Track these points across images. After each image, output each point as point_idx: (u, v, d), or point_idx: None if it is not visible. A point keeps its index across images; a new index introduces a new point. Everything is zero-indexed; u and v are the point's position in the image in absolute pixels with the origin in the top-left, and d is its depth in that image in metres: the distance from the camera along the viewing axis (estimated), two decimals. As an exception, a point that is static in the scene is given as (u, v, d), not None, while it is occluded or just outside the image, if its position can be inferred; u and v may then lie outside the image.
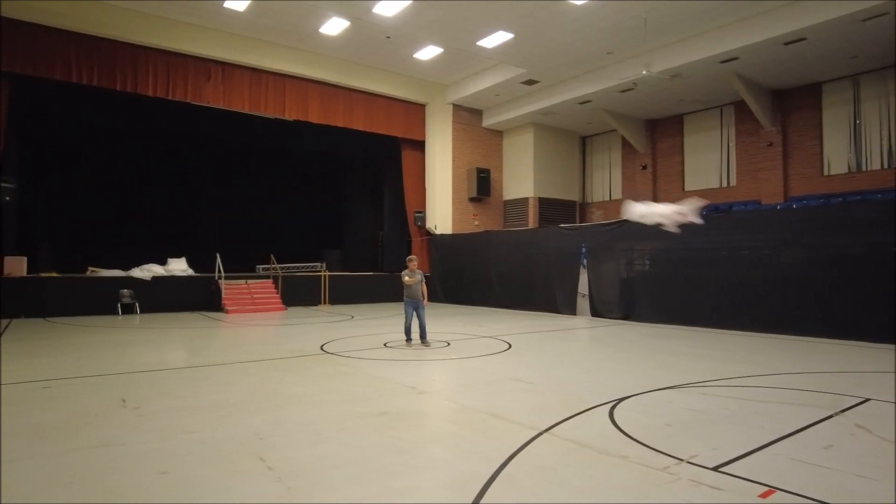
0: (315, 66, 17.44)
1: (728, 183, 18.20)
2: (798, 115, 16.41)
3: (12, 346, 8.95)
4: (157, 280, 15.30)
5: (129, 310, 14.48)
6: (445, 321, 13.16)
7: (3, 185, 13.40)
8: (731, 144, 18.16)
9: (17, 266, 13.82)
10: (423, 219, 20.50)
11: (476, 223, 20.92)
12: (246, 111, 16.84)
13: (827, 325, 9.99)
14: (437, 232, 20.22)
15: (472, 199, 20.97)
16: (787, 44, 13.36)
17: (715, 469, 3.63)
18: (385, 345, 9.37)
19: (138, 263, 15.55)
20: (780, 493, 3.23)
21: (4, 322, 12.26)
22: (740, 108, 17.38)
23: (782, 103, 16.60)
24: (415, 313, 9.18)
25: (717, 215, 12.83)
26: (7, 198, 13.48)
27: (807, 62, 14.52)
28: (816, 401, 5.50)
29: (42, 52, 13.80)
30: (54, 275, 14.46)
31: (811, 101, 16.15)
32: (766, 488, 3.29)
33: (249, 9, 14.38)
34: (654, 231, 13.33)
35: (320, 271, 18.54)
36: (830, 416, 4.89)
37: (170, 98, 15.53)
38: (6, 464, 3.71)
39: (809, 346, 9.27)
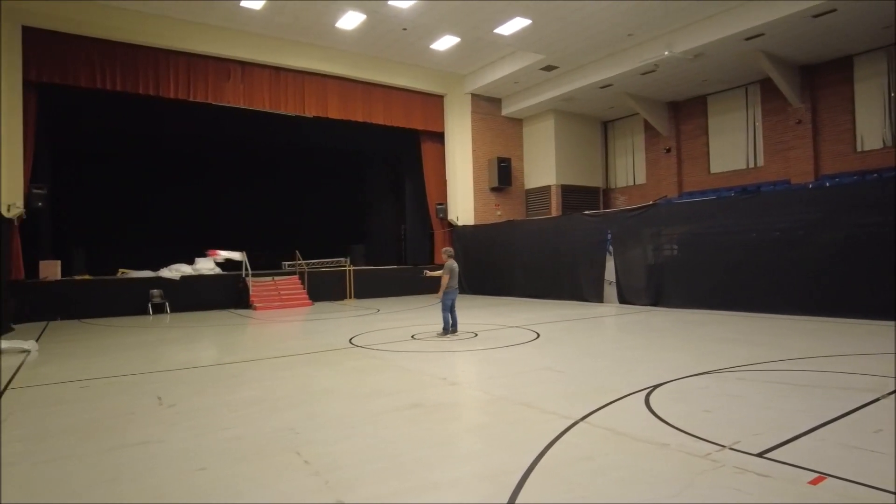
0: (333, 61, 17.45)
1: (755, 163, 17.77)
2: (828, 91, 15.90)
3: (50, 348, 9.17)
4: (185, 280, 15.53)
5: (159, 309, 14.74)
6: (471, 312, 13.11)
7: (34, 191, 13.73)
8: (757, 124, 17.71)
9: (52, 270, 14.17)
10: (445, 211, 20.46)
11: (498, 213, 20.80)
12: (266, 110, 16.94)
13: (864, 306, 9.69)
14: (460, 223, 20.16)
15: (493, 189, 20.85)
16: (816, 16, 12.92)
17: (760, 455, 3.53)
18: (413, 337, 9.36)
19: (167, 264, 15.81)
20: (831, 480, 3.12)
21: (42, 324, 12.58)
22: (767, 86, 16.93)
23: (811, 79, 16.10)
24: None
25: (745, 197, 12.51)
26: (39, 203, 13.80)
27: (837, 35, 14.03)
28: (859, 384, 5.33)
29: (67, 61, 14.06)
30: (87, 277, 14.78)
31: (842, 75, 15.63)
32: (817, 475, 3.19)
33: (266, 7, 14.42)
34: (682, 215, 13.17)
35: (345, 266, 18.65)
36: (877, 399, 4.73)
37: (191, 99, 15.71)
38: (52, 463, 3.79)
39: (846, 328, 9.01)
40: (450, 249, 9.75)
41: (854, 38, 14.32)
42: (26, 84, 13.60)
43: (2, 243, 11.25)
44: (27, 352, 8.57)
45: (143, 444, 4.15)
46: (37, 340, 9.40)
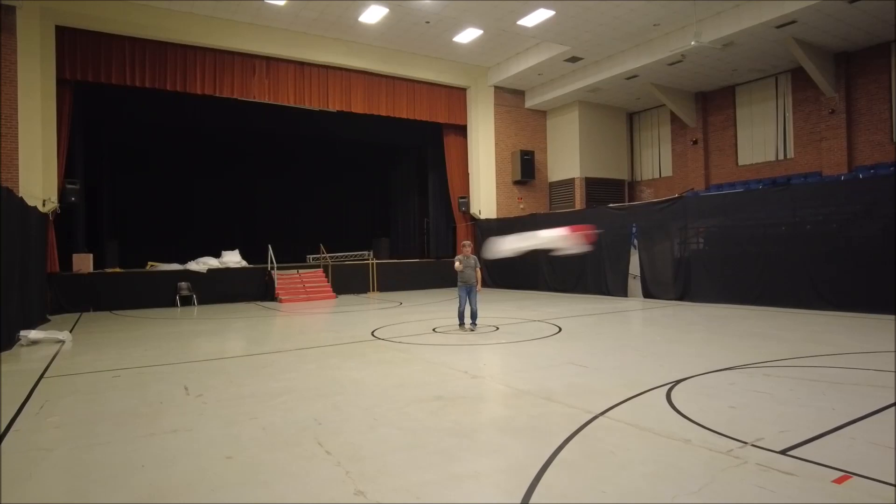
0: (357, 56, 17.53)
1: (785, 155, 17.35)
2: (864, 79, 15.41)
3: (84, 338, 9.46)
4: (212, 272, 15.83)
5: (187, 302, 15.06)
6: (495, 306, 13.12)
7: (68, 186, 14.13)
8: (788, 114, 17.28)
9: (85, 263, 14.59)
10: (468, 204, 20.44)
11: (521, 206, 20.70)
12: (291, 104, 17.12)
13: (900, 300, 9.42)
14: (482, 217, 20.13)
15: (516, 183, 20.74)
16: (852, 1, 12.51)
17: (783, 453, 3.48)
18: (434, 330, 9.41)
19: (194, 257, 16.13)
20: (857, 479, 3.07)
21: (76, 315, 12.97)
22: (798, 74, 16.49)
23: (846, 67, 15.62)
24: (468, 298, 9.21)
25: (775, 190, 12.24)
26: (73, 198, 14.20)
27: (876, 20, 13.56)
28: (892, 381, 5.19)
29: (99, 58, 14.40)
30: (118, 270, 15.18)
31: (880, 62, 15.12)
32: (842, 473, 3.13)
33: (290, 3, 14.55)
34: (709, 208, 12.94)
35: (368, 259, 18.79)
36: (909, 397, 4.61)
37: (218, 95, 15.95)
38: (87, 449, 3.93)
39: (880, 323, 8.77)
40: (465, 243, 9.74)
41: (892, 24, 13.83)
42: (60, 82, 13.97)
43: (38, 237, 11.61)
44: (62, 342, 8.86)
45: (172, 432, 4.27)
46: (71, 331, 9.70)
